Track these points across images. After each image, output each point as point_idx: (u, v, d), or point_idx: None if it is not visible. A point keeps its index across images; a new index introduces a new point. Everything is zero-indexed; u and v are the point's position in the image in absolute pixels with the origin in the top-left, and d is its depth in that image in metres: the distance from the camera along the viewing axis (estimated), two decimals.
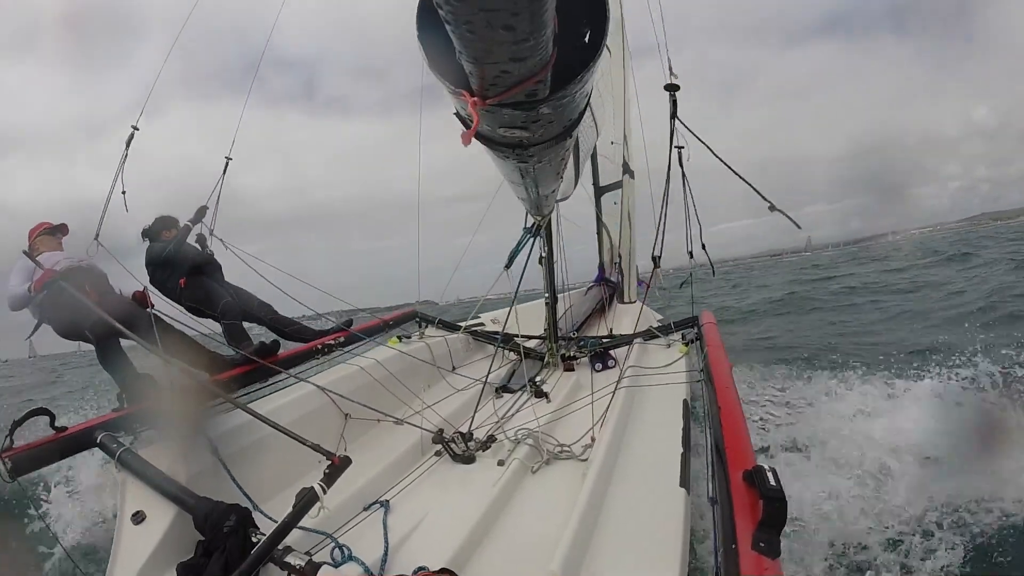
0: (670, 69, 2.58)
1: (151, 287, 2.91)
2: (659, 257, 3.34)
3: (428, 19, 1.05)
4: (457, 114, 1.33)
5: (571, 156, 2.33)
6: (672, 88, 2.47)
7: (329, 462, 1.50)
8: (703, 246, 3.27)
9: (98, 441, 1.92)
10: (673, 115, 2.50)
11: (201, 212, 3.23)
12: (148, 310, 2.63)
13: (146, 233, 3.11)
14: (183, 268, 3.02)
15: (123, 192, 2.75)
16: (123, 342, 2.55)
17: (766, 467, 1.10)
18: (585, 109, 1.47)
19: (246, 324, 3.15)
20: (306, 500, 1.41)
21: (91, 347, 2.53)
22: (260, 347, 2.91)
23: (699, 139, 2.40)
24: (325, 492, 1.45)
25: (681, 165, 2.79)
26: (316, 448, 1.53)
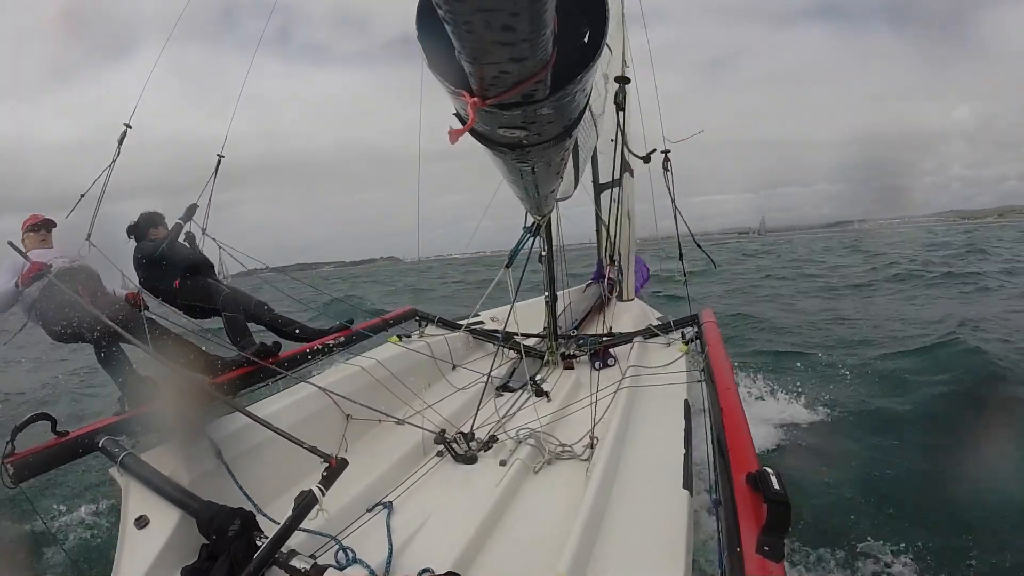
0: (623, 60, 2.56)
1: (142, 289, 2.85)
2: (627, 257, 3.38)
3: (428, 19, 1.04)
4: (457, 114, 1.31)
5: (571, 156, 2.31)
6: (622, 80, 2.44)
7: (326, 464, 1.50)
8: (699, 245, 3.31)
9: (100, 445, 1.91)
10: (622, 107, 2.48)
11: (191, 210, 3.14)
12: (142, 312, 2.60)
13: (131, 231, 3.01)
14: (177, 269, 2.95)
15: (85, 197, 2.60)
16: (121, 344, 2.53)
17: (770, 471, 1.10)
18: (585, 109, 1.46)
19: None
20: (305, 503, 1.41)
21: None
22: (261, 348, 2.90)
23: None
24: (324, 494, 1.45)
25: (668, 168, 2.81)
26: (313, 450, 1.53)
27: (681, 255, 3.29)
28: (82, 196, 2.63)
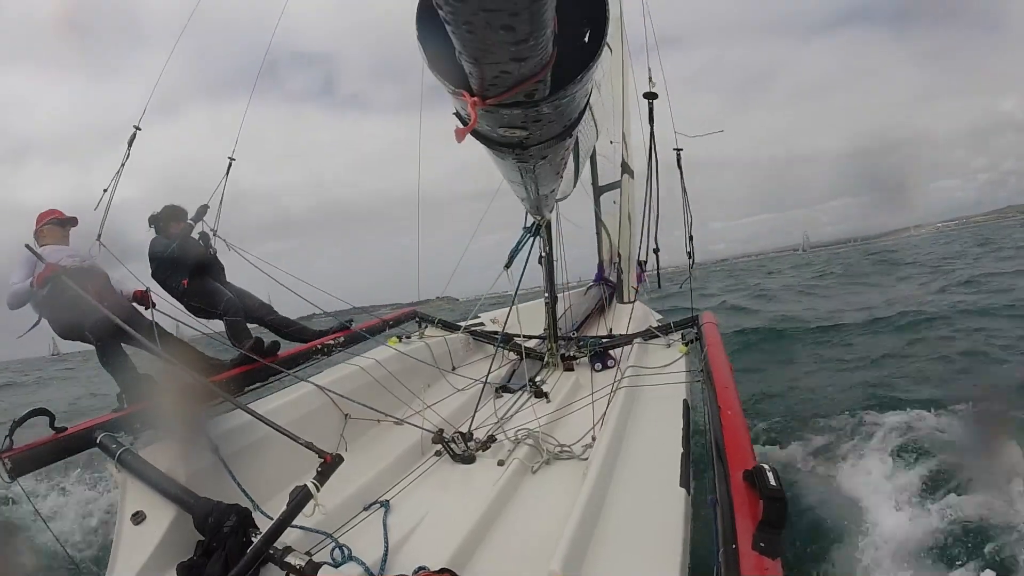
0: (649, 78, 2.60)
1: (152, 281, 2.88)
2: (645, 261, 3.37)
3: (428, 20, 1.05)
4: (457, 114, 1.32)
5: (571, 156, 2.33)
6: (650, 96, 2.47)
7: (322, 460, 1.50)
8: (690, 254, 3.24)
9: (98, 441, 1.91)
10: (651, 121, 2.51)
11: (203, 210, 3.19)
12: (148, 310, 2.62)
13: (153, 221, 3.06)
14: (187, 268, 2.99)
15: (105, 190, 2.66)
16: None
17: (766, 467, 1.10)
18: (585, 109, 1.47)
19: (248, 325, 3.14)
20: (300, 498, 1.42)
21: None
22: (258, 343, 2.91)
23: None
24: (318, 490, 1.45)
25: (680, 167, 2.81)
26: (309, 446, 1.54)
27: (690, 255, 3.28)
28: (105, 190, 2.67)
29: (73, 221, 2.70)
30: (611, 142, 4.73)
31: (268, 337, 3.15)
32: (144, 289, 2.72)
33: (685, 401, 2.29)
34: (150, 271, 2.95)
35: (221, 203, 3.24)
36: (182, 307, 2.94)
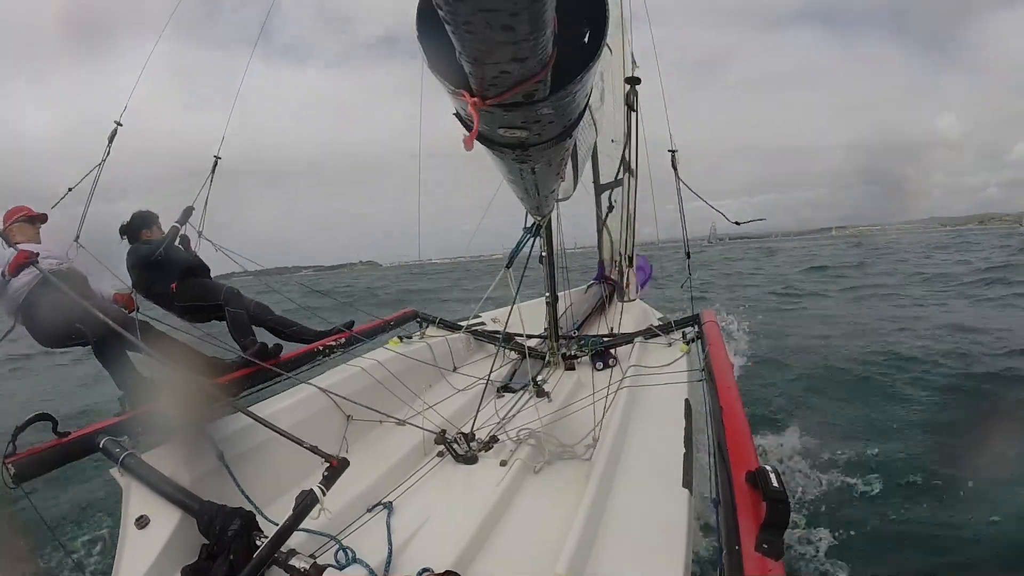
0: (632, 60, 2.57)
1: (135, 291, 2.80)
2: (632, 258, 3.35)
3: (428, 20, 1.04)
4: (457, 115, 1.32)
5: (571, 156, 2.32)
6: (632, 81, 2.45)
7: (327, 464, 1.50)
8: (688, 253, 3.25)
9: (101, 446, 1.91)
10: (633, 108, 2.48)
11: (187, 213, 3.08)
12: (133, 314, 2.56)
13: (124, 231, 2.94)
14: (173, 272, 2.90)
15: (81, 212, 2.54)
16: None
17: (768, 468, 1.10)
18: (585, 109, 1.46)
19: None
20: (305, 503, 1.42)
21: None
22: (262, 349, 2.89)
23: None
24: (324, 494, 1.45)
25: (675, 167, 2.81)
26: (314, 450, 1.53)
27: (688, 254, 3.29)
28: (70, 190, 2.58)
29: (43, 217, 2.61)
30: (612, 140, 4.72)
31: (268, 339, 3.12)
32: (128, 293, 2.63)
33: (686, 400, 2.29)
34: (131, 282, 2.81)
35: (206, 204, 3.13)
36: (172, 313, 2.88)
